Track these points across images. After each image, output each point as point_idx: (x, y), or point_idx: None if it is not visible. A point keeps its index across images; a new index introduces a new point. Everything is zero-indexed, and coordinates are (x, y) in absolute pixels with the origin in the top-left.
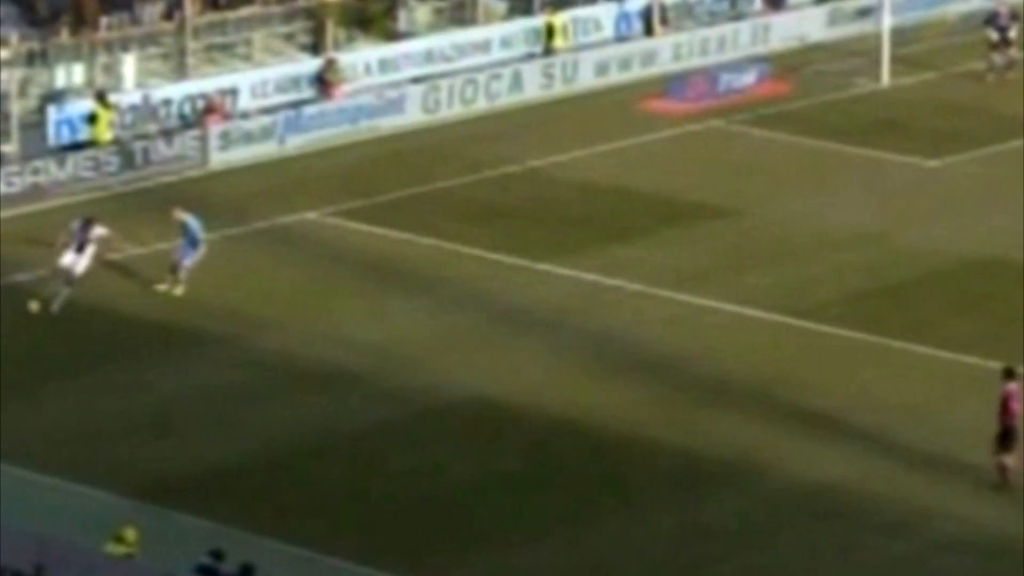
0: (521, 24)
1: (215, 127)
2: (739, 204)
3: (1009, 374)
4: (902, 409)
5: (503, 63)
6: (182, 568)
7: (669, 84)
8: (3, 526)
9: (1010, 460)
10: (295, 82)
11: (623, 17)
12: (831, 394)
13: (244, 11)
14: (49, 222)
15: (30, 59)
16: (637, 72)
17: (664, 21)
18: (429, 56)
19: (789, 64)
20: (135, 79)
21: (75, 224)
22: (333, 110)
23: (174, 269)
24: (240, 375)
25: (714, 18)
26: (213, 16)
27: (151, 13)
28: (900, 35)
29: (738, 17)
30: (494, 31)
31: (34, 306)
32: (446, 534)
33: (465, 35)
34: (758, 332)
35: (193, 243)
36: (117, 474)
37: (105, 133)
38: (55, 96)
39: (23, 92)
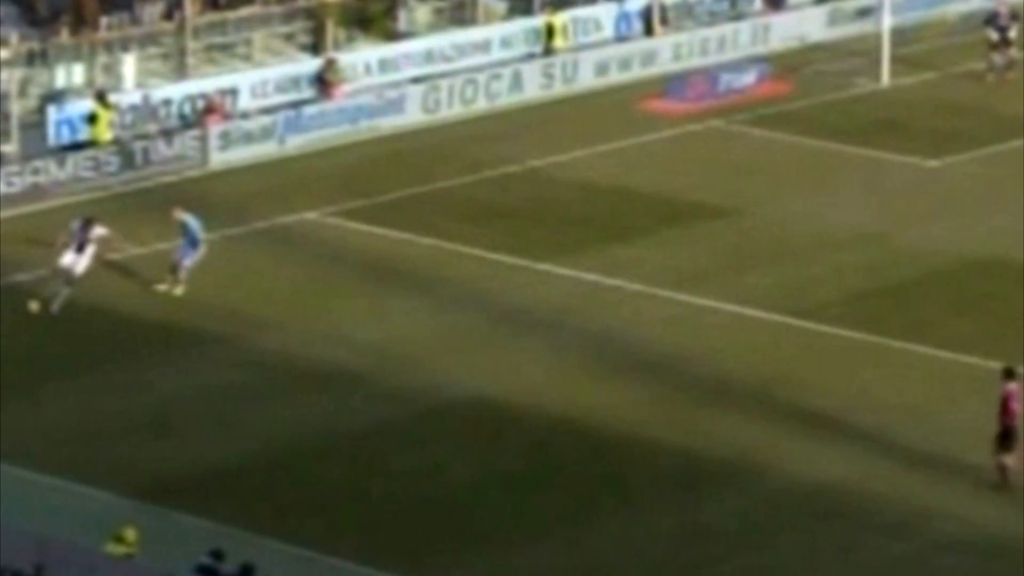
0: (521, 24)
1: (215, 127)
2: (739, 204)
3: (1009, 374)
4: (902, 409)
5: (503, 63)
6: (182, 568)
7: (669, 84)
8: (3, 526)
9: (1010, 460)
10: (295, 82)
11: (623, 17)
12: (831, 394)
13: (244, 11)
14: (49, 222)
15: (30, 59)
16: (637, 72)
17: (664, 21)
18: (429, 56)
19: (789, 64)
20: (135, 79)
21: (75, 224)
22: (333, 110)
23: (174, 269)
24: (240, 375)
25: (714, 18)
26: (213, 16)
27: (151, 13)
28: (900, 35)
29: (738, 17)
30: (494, 31)
31: (34, 306)
32: (446, 534)
33: (465, 35)
34: (758, 332)
35: (193, 243)
36: (117, 474)
37: (105, 133)
38: (55, 96)
39: (23, 92)
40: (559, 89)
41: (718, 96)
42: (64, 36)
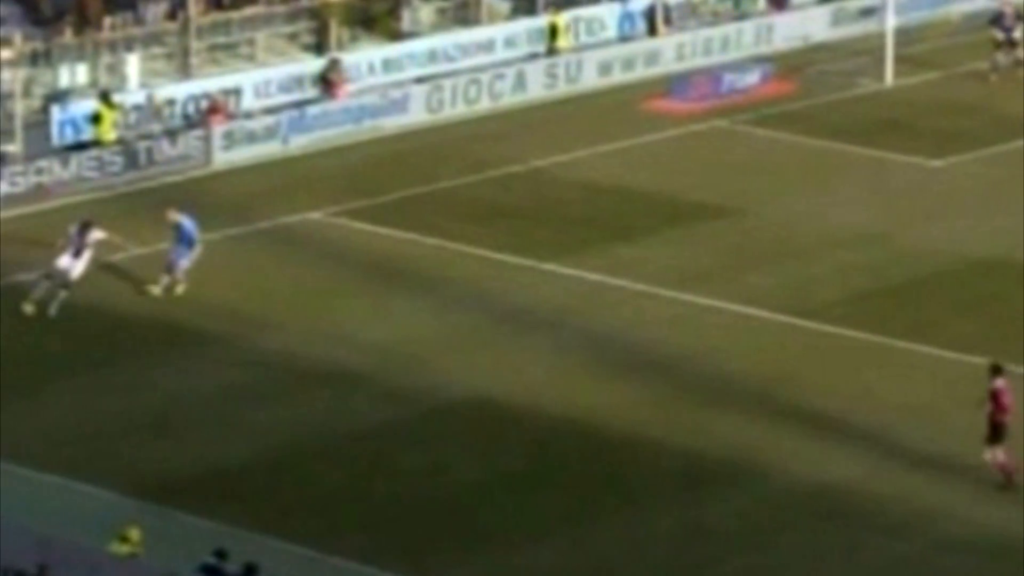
0: (525, 24)
1: (219, 127)
2: (742, 204)
3: (997, 370)
4: (905, 409)
5: (507, 63)
6: (186, 568)
7: (673, 84)
8: (7, 526)
9: (1000, 454)
10: (299, 82)
11: (627, 17)
12: (834, 394)
13: (248, 11)
14: (52, 222)
15: (34, 59)
16: (641, 72)
17: (668, 21)
18: (433, 56)
19: (793, 64)
20: (139, 79)
21: (72, 228)
22: (337, 110)
23: (170, 269)
24: (243, 375)
25: (718, 18)
26: (217, 16)
27: (155, 13)
28: (904, 35)
29: (742, 17)
30: (498, 31)
31: (29, 308)
32: (449, 534)
33: (469, 35)
34: (761, 332)
35: (189, 243)
36: (120, 474)
37: (109, 133)
38: (59, 96)
39: (27, 92)
40: (563, 89)
41: (721, 96)
42: (68, 36)
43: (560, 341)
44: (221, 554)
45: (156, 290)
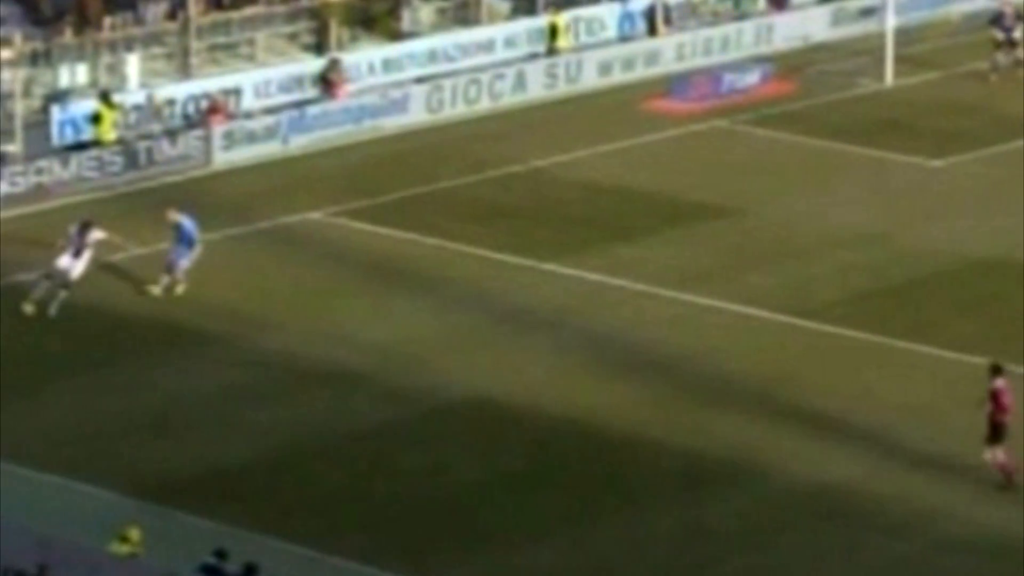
0: (525, 24)
1: (219, 127)
2: (742, 204)
3: (997, 370)
4: (906, 409)
5: (507, 63)
6: (186, 568)
7: (673, 84)
8: (7, 526)
9: (1000, 454)
10: (299, 82)
11: (627, 17)
12: (834, 394)
13: (248, 11)
14: (53, 222)
15: (34, 59)
16: (641, 72)
17: (668, 21)
18: (433, 56)
19: (793, 64)
20: (139, 79)
21: (72, 228)
22: (337, 110)
23: (169, 269)
24: (243, 375)
25: (718, 18)
26: (217, 16)
27: (155, 13)
28: (904, 35)
29: (742, 17)
30: (498, 31)
31: (28, 308)
32: (449, 534)
33: (469, 35)
34: (761, 332)
35: (188, 243)
36: (121, 474)
37: (109, 133)
38: (59, 96)
39: (27, 92)
40: (563, 89)
41: (721, 96)
42: (68, 36)
43: (560, 341)
44: (221, 554)
45: (156, 290)
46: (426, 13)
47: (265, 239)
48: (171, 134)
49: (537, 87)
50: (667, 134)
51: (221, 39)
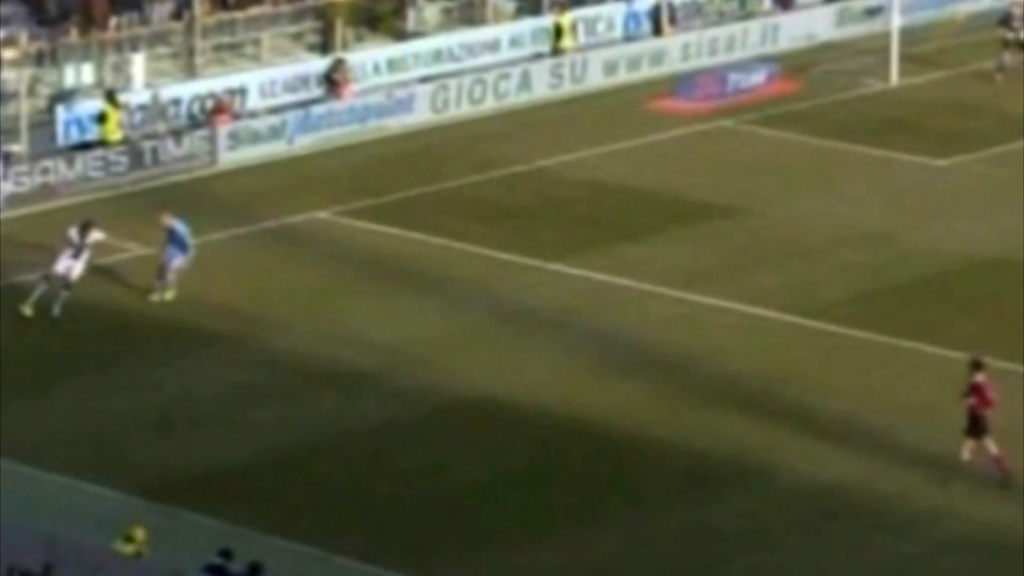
0: (530, 24)
1: (224, 127)
2: (748, 203)
3: (978, 365)
4: (911, 409)
5: (512, 63)
6: (191, 567)
7: (678, 84)
8: (12, 526)
9: (992, 446)
10: (304, 82)
11: (632, 17)
12: (840, 394)
13: (253, 11)
14: (58, 222)
15: (39, 59)
16: (646, 72)
17: (673, 21)
18: (438, 56)
19: (798, 64)
20: (144, 79)
21: (73, 229)
22: (342, 110)
23: (161, 273)
24: (248, 375)
25: (723, 18)
26: (222, 16)
27: (160, 13)
28: (909, 34)
29: (747, 17)
30: (503, 31)
31: (28, 311)
32: (453, 533)
33: (474, 35)
34: (766, 332)
35: (182, 248)
36: (125, 474)
37: (114, 133)
38: (64, 96)
39: (32, 92)
40: (568, 89)
41: (727, 96)
42: (73, 36)
43: (565, 341)
44: (226, 554)
45: (156, 297)
46: (431, 13)
47: (270, 239)
48: (176, 134)
49: (542, 87)
50: (672, 134)
51: (226, 39)
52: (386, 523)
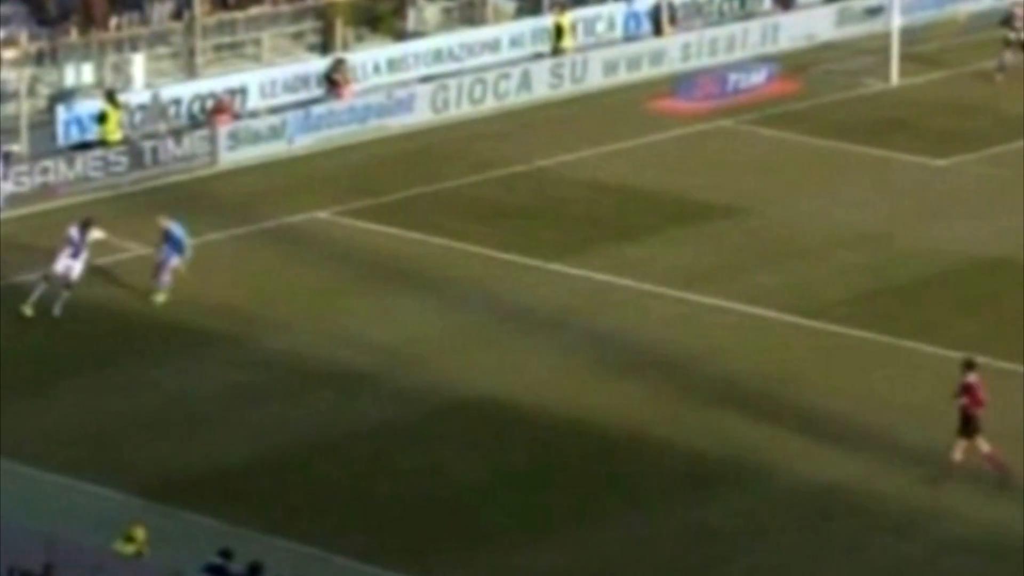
0: (530, 23)
1: (224, 127)
2: (748, 203)
3: (970, 365)
4: (910, 409)
5: (512, 63)
6: (191, 567)
7: (678, 84)
8: (12, 526)
9: (986, 445)
10: (304, 81)
11: (632, 17)
12: (839, 394)
13: (253, 11)
14: (58, 222)
15: (39, 58)
16: (646, 72)
17: (673, 21)
18: (438, 55)
19: (798, 63)
20: (144, 79)
21: (72, 228)
22: (342, 109)
23: (156, 274)
24: (247, 375)
25: (723, 18)
26: (222, 16)
27: (160, 12)
28: (909, 34)
29: (747, 17)
30: (503, 30)
31: (28, 311)
32: (452, 533)
33: (474, 34)
34: (766, 332)
35: (178, 249)
36: (125, 473)
37: (114, 132)
38: (64, 95)
39: (32, 91)
40: (568, 89)
41: (727, 96)
42: (73, 35)
43: (565, 341)
44: (226, 554)
45: (158, 299)
46: (431, 13)
47: (270, 239)
48: (176, 134)
49: (542, 87)
50: (672, 134)
51: (226, 39)
52: (386, 523)
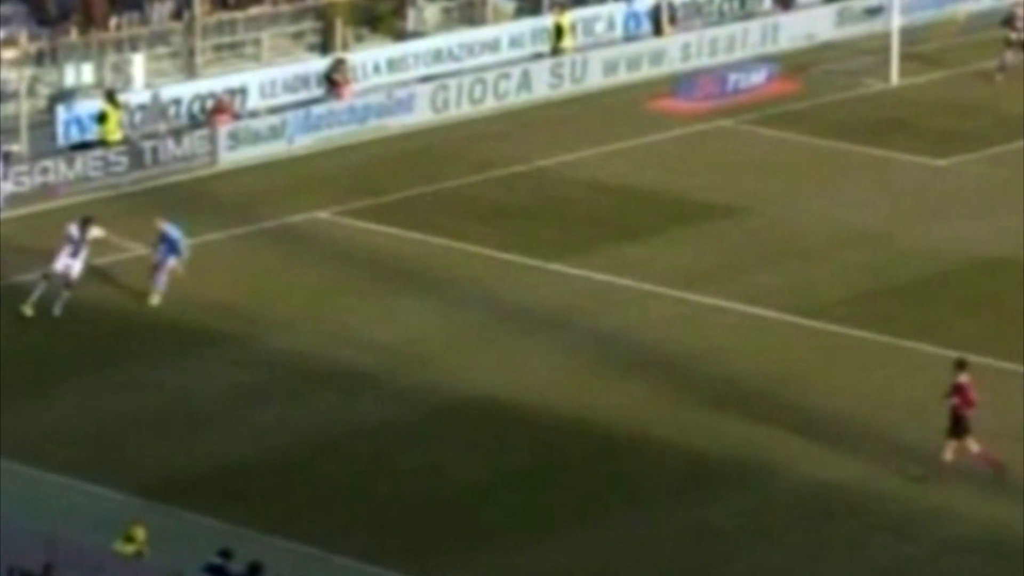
0: (530, 23)
1: (224, 127)
2: (748, 203)
3: (962, 365)
4: (911, 409)
5: (512, 62)
6: (191, 567)
7: (678, 84)
8: (12, 526)
9: (975, 445)
10: (304, 81)
11: (632, 17)
12: (840, 394)
13: (253, 10)
14: (58, 222)
15: (39, 58)
16: (646, 72)
17: (673, 20)
18: (438, 55)
19: (798, 63)
20: (144, 79)
21: (72, 227)
22: (342, 109)
23: (153, 276)
24: (248, 374)
25: (723, 18)
26: (222, 16)
27: (160, 12)
28: (910, 34)
29: (747, 16)
30: (503, 30)
31: (28, 311)
32: (453, 533)
33: (474, 34)
34: (767, 332)
35: (175, 251)
36: (125, 473)
37: (114, 132)
38: (64, 95)
39: (32, 91)
40: (568, 89)
41: (727, 96)
42: (73, 35)
43: (565, 341)
44: (226, 554)
45: (154, 299)
46: (431, 13)
47: (270, 239)
48: (176, 134)
49: (542, 87)
50: (672, 134)
51: (226, 39)
52: (386, 523)
